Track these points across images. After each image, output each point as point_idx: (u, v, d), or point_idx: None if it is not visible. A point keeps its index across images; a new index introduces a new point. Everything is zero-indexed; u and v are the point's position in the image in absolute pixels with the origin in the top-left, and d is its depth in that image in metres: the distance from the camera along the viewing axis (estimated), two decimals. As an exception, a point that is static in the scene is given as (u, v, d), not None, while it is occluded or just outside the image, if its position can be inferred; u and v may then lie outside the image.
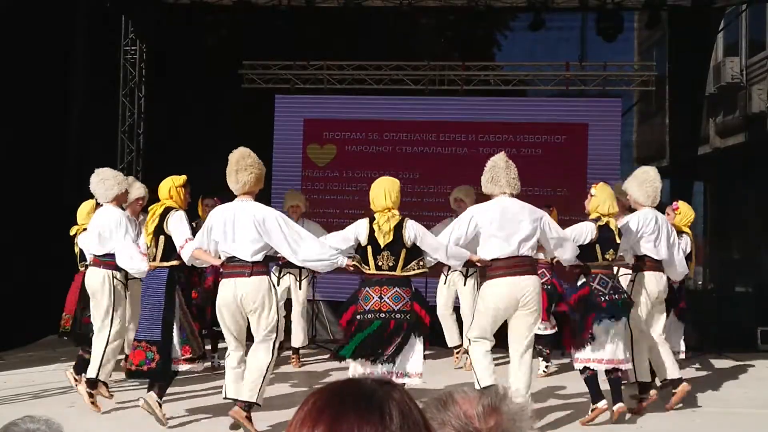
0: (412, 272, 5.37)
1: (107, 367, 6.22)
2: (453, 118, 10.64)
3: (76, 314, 6.78)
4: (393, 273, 5.32)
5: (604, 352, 5.74)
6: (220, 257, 5.57)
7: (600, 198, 5.93)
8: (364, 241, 5.38)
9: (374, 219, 5.40)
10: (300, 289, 8.21)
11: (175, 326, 5.68)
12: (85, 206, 6.98)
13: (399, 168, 10.48)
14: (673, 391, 6.17)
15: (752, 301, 10.14)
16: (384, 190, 5.43)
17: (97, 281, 6.35)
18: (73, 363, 6.77)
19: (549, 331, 7.28)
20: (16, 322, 8.60)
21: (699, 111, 11.48)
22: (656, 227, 6.17)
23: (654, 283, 6.20)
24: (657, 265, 6.23)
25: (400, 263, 5.32)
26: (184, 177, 5.97)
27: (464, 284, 8.03)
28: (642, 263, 6.22)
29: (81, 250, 6.87)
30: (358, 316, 5.34)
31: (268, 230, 5.38)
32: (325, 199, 10.29)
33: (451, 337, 8.23)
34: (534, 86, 11.21)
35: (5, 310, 8.28)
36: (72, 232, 7.04)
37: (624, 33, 10.40)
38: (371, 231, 5.35)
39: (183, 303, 5.77)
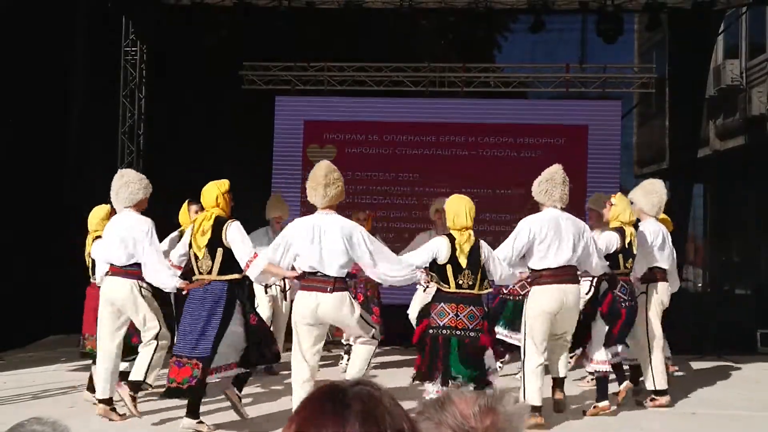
0: (484, 291, 5.53)
1: (155, 372, 5.84)
2: (453, 119, 10.64)
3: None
4: (471, 291, 5.43)
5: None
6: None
7: (620, 207, 6.21)
8: (444, 260, 5.42)
9: (454, 238, 5.46)
10: (285, 300, 7.98)
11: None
12: (99, 211, 6.51)
13: (399, 170, 10.51)
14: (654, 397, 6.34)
15: (752, 303, 10.14)
16: (465, 209, 5.51)
17: (122, 293, 5.83)
18: (75, 367, 6.76)
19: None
20: (16, 322, 8.60)
21: (699, 113, 11.48)
22: (663, 238, 6.41)
23: (665, 292, 6.45)
24: (665, 275, 6.48)
25: (478, 282, 5.44)
26: (227, 181, 5.68)
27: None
28: (654, 274, 6.42)
29: (94, 261, 6.32)
30: (431, 331, 5.41)
31: (354, 244, 5.33)
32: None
33: None
34: (534, 88, 11.22)
35: (5, 310, 8.28)
36: (86, 242, 6.50)
37: (624, 35, 10.40)
38: (452, 250, 5.42)
39: (247, 317, 5.56)
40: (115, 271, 5.85)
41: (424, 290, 8.01)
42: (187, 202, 6.70)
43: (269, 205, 7.90)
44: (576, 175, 10.12)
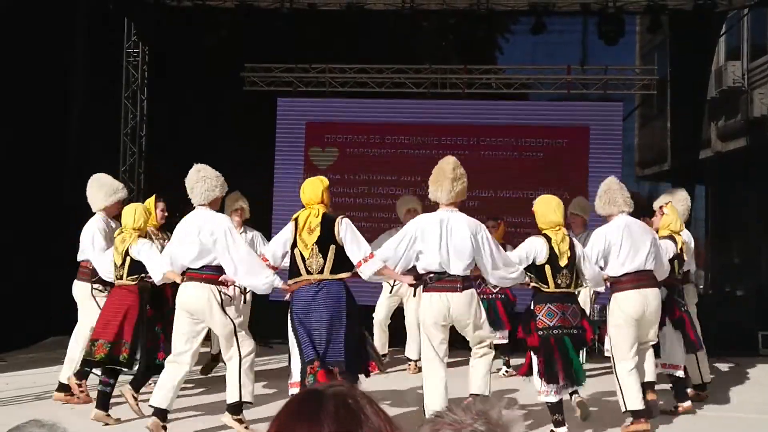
0: (578, 289, 5.60)
1: (249, 387, 5.47)
2: (454, 121, 10.65)
3: (137, 340, 5.83)
4: (569, 290, 5.45)
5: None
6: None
7: (672, 216, 6.37)
8: (542, 260, 5.39)
9: (549, 238, 5.42)
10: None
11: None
12: (143, 207, 6.13)
13: (400, 171, 10.51)
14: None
15: (753, 304, 10.14)
16: (556, 206, 5.51)
17: (201, 300, 5.39)
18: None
19: (504, 340, 7.62)
20: (17, 322, 8.61)
21: (700, 115, 11.49)
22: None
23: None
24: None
25: (574, 281, 5.46)
26: (325, 178, 5.52)
27: (414, 295, 7.69)
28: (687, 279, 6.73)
29: (131, 262, 5.88)
30: (540, 332, 5.34)
31: (479, 243, 5.25)
32: (327, 202, 10.29)
33: (414, 349, 7.79)
34: (535, 90, 11.23)
35: (5, 311, 8.29)
36: (121, 242, 5.94)
37: (625, 36, 10.42)
38: (551, 250, 5.38)
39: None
40: (190, 275, 5.44)
41: (390, 292, 7.99)
42: (154, 197, 6.48)
43: (228, 200, 7.36)
44: (577, 177, 10.17)
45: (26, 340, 9.04)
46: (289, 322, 5.23)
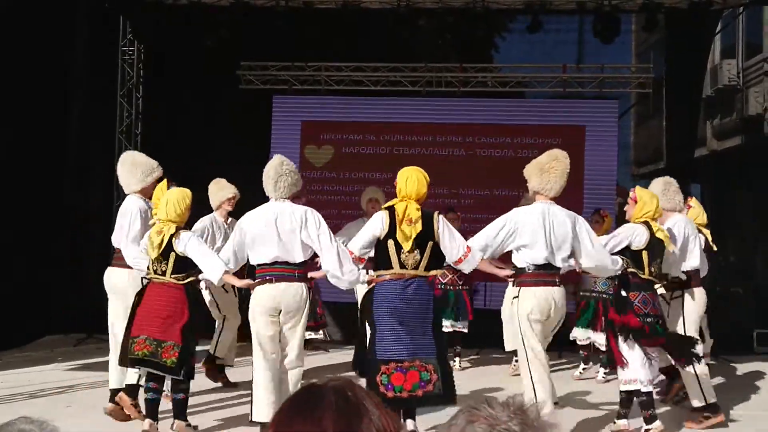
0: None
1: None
2: (450, 120, 10.66)
3: (188, 345, 5.29)
4: (656, 280, 5.42)
5: None
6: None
7: (698, 209, 6.42)
8: (641, 245, 5.33)
9: (651, 226, 5.36)
10: None
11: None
12: (180, 192, 5.42)
13: (396, 170, 10.44)
14: None
15: (748, 302, 10.17)
16: (651, 197, 5.49)
17: (297, 297, 5.18)
18: (72, 367, 6.71)
19: (465, 330, 7.93)
20: (16, 322, 8.61)
21: (696, 113, 11.55)
22: None
23: None
24: None
25: (660, 273, 5.47)
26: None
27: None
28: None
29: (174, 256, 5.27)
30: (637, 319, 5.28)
31: (578, 233, 5.13)
32: (323, 200, 10.28)
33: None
34: (531, 88, 11.24)
35: (5, 310, 8.30)
36: (163, 233, 5.26)
37: (621, 35, 10.41)
38: (652, 235, 5.33)
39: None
40: (287, 271, 5.15)
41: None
42: (165, 180, 5.84)
43: (217, 188, 7.10)
44: (573, 176, 10.10)
45: (26, 339, 9.03)
46: (365, 313, 5.06)
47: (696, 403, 5.71)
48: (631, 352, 5.23)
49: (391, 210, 5.03)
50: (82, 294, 9.49)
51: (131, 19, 10.10)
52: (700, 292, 5.93)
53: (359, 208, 8.12)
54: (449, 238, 4.99)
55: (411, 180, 5.07)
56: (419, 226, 4.92)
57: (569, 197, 10.07)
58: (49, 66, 9.10)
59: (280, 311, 5.18)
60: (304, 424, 1.16)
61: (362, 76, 10.77)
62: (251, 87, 10.80)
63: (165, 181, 5.85)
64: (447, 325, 7.50)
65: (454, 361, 7.81)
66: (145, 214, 5.72)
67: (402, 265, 4.93)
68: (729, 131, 12.26)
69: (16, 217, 8.55)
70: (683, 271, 5.84)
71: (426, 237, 4.94)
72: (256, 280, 5.22)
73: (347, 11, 10.04)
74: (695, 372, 5.63)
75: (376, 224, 5.04)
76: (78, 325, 9.27)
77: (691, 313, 5.85)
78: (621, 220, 7.57)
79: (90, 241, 9.85)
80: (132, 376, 5.61)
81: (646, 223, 5.40)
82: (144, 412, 5.35)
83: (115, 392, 5.75)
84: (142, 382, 5.45)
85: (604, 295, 7.26)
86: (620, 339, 5.26)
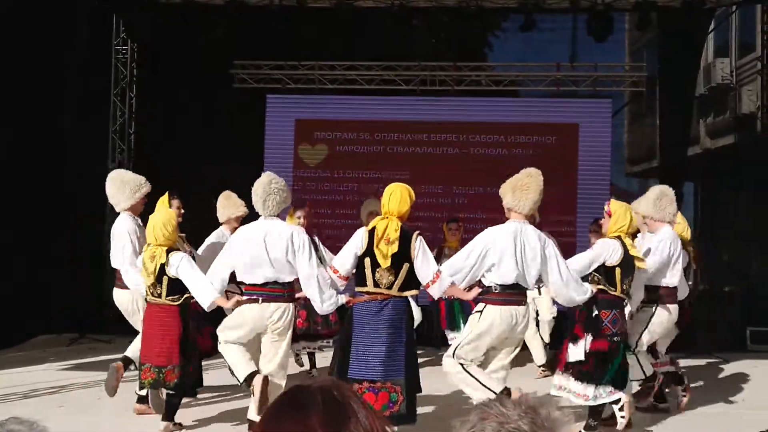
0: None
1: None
2: (444, 118, 10.70)
3: (187, 359, 5.45)
4: (625, 297, 5.42)
5: None
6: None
7: (683, 225, 6.36)
8: (615, 262, 5.32)
9: (624, 242, 5.35)
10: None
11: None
12: (166, 216, 5.48)
13: (390, 168, 10.54)
14: None
15: (741, 301, 10.22)
16: (625, 211, 5.45)
17: (284, 318, 5.21)
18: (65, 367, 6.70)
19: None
20: (16, 322, 8.62)
21: (689, 112, 11.61)
22: None
23: None
24: None
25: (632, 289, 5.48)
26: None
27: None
28: None
29: (170, 280, 5.33)
30: (607, 339, 5.30)
31: (547, 259, 5.09)
32: (317, 199, 10.31)
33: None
34: (525, 87, 11.31)
35: (5, 310, 8.29)
36: (156, 257, 5.36)
37: (614, 34, 10.51)
38: (626, 252, 5.32)
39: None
40: (276, 291, 5.20)
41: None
42: (167, 194, 6.07)
43: (227, 203, 6.92)
44: (567, 174, 10.24)
45: (25, 339, 9.03)
46: (341, 330, 5.09)
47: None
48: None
49: (372, 229, 5.05)
50: (76, 294, 9.51)
51: (125, 18, 10.14)
52: (674, 309, 5.87)
53: (353, 207, 8.13)
54: (422, 261, 4.98)
55: (394, 197, 5.07)
56: (395, 247, 4.94)
57: (563, 195, 10.16)
58: (44, 65, 9.13)
59: (265, 328, 5.24)
60: (292, 425, 1.17)
61: (356, 74, 10.82)
62: (245, 86, 10.84)
63: (166, 195, 6.04)
64: (452, 336, 7.37)
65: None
66: (135, 234, 5.89)
67: (376, 284, 4.96)
68: (722, 130, 12.31)
69: (16, 217, 8.56)
70: (660, 286, 5.82)
71: (402, 258, 4.95)
72: (244, 298, 5.25)
73: (341, 10, 10.07)
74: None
75: (356, 243, 5.07)
76: (71, 325, 9.28)
77: (657, 327, 5.83)
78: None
79: (86, 241, 9.87)
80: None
81: (619, 238, 5.38)
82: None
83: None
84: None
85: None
86: (573, 348, 5.32)
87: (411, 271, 4.98)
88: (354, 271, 5.09)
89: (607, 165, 10.42)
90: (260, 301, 5.17)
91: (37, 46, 8.81)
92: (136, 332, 6.57)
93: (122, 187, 6.04)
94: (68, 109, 9.85)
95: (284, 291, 5.21)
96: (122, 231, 5.90)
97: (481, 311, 5.13)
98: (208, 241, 6.54)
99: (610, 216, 5.48)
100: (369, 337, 4.94)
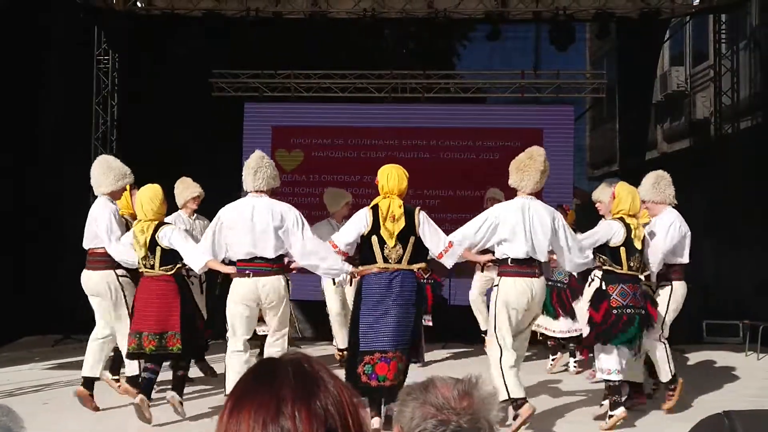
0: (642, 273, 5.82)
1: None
2: (415, 124, 10.96)
3: (190, 324, 5.62)
4: (638, 273, 5.69)
5: None
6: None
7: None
8: (618, 242, 5.60)
9: (627, 223, 5.62)
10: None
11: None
12: (154, 190, 5.69)
13: (363, 173, 10.77)
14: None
15: (697, 297, 10.54)
16: (627, 194, 5.72)
17: (276, 289, 5.35)
18: (50, 366, 6.76)
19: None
20: (2, 323, 8.72)
21: (647, 117, 11.87)
22: None
23: None
24: None
25: (641, 265, 5.73)
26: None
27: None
28: None
29: (163, 250, 5.54)
30: (615, 311, 5.51)
31: (557, 229, 5.35)
32: (293, 203, 10.44)
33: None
34: (491, 94, 11.51)
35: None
36: (146, 230, 5.57)
37: (576, 43, 10.76)
38: (628, 233, 5.60)
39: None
40: (264, 266, 5.32)
41: (334, 283, 7.49)
42: (129, 187, 6.22)
43: (182, 187, 7.26)
44: (532, 176, 10.55)
45: (11, 340, 9.11)
46: (351, 305, 5.23)
47: (663, 378, 6.09)
48: (604, 345, 5.56)
49: (375, 208, 5.21)
50: (61, 295, 9.61)
51: (105, 29, 10.24)
52: (682, 286, 6.32)
53: (326, 210, 8.35)
54: (430, 234, 5.17)
55: (392, 177, 5.27)
56: (402, 222, 5.11)
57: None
58: (25, 75, 9.22)
59: (259, 303, 5.39)
60: (265, 395, 1.15)
61: (330, 83, 10.98)
62: (223, 94, 10.96)
63: (128, 188, 6.19)
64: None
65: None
66: (116, 214, 6.01)
67: (386, 260, 5.13)
68: (678, 134, 12.53)
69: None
70: (669, 264, 6.20)
71: (408, 232, 5.13)
72: (237, 272, 5.43)
73: (315, 21, 10.27)
74: (666, 353, 6.04)
75: (360, 221, 5.23)
76: (56, 326, 9.35)
77: (672, 303, 6.24)
78: (578, 220, 7.96)
79: (69, 243, 9.97)
80: (133, 368, 5.87)
81: (622, 219, 5.68)
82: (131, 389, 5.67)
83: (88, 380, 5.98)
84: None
85: (559, 284, 7.54)
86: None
87: (417, 244, 5.17)
88: (359, 249, 5.28)
89: (569, 168, 10.63)
90: (250, 275, 5.29)
91: (18, 58, 8.92)
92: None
93: (108, 172, 6.11)
94: (50, 115, 9.94)
95: (272, 266, 5.30)
96: (105, 211, 5.95)
97: (497, 284, 5.35)
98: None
99: (614, 198, 5.81)
100: (379, 309, 5.07)
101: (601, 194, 6.75)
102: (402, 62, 11.45)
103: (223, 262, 5.59)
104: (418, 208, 5.29)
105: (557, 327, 7.54)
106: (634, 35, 10.95)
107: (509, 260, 5.27)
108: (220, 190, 8.61)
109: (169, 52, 10.43)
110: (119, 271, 5.95)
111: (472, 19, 10.70)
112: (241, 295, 5.35)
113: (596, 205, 6.88)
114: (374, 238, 5.16)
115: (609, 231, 5.67)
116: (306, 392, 1.15)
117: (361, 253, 5.30)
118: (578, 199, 10.62)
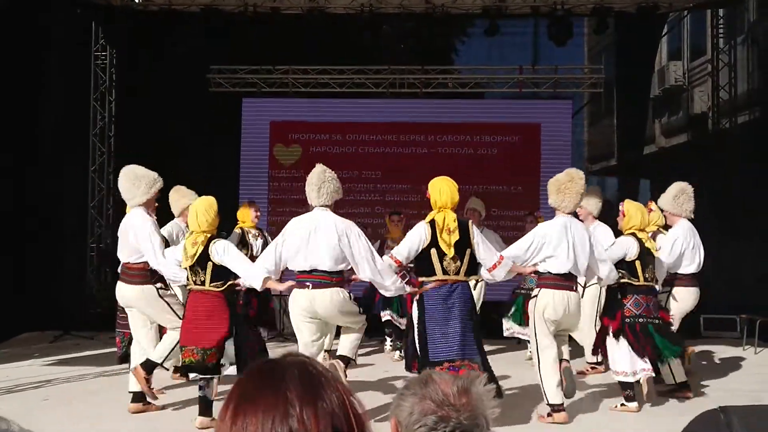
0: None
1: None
2: (413, 119, 10.98)
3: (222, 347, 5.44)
4: (653, 283, 6.04)
5: None
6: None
7: (657, 213, 6.73)
8: (634, 257, 5.92)
9: (640, 238, 5.95)
10: None
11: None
12: (208, 202, 5.56)
13: (361, 167, 10.86)
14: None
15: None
16: (636, 210, 6.03)
17: (335, 301, 5.32)
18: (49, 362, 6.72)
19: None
20: (1, 320, 8.71)
21: (645, 112, 11.90)
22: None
23: None
24: None
25: (656, 276, 6.10)
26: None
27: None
28: None
29: (215, 266, 5.37)
30: (628, 320, 5.87)
31: (593, 246, 5.71)
32: (291, 198, 10.52)
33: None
34: (489, 89, 11.55)
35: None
36: (198, 243, 5.41)
37: (574, 38, 10.77)
38: (642, 246, 5.93)
39: None
40: (322, 278, 5.29)
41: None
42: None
43: (178, 196, 7.04)
44: (530, 171, 10.57)
45: (10, 336, 9.10)
46: (414, 318, 5.32)
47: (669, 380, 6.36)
48: (617, 349, 5.88)
49: (432, 222, 5.31)
50: (59, 292, 9.62)
51: (103, 25, 10.25)
52: (687, 292, 6.68)
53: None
54: (483, 248, 5.36)
55: (444, 191, 5.36)
56: (457, 235, 5.25)
57: (526, 191, 10.49)
58: (24, 72, 9.21)
59: (316, 314, 5.39)
60: (271, 396, 1.15)
61: (328, 78, 11.01)
62: (222, 90, 10.98)
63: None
64: (386, 314, 7.95)
65: (384, 344, 8.52)
66: (156, 228, 5.83)
67: (444, 272, 5.25)
68: (676, 129, 12.54)
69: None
70: (677, 273, 6.62)
71: (464, 245, 5.27)
72: (296, 283, 5.40)
73: (313, 17, 10.27)
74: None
75: (419, 235, 5.31)
76: (55, 323, 9.37)
77: (675, 310, 6.59)
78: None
79: (68, 240, 9.99)
80: (156, 355, 5.73)
81: (634, 234, 6.00)
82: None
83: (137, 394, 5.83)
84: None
85: (531, 292, 7.68)
86: (608, 337, 5.95)
87: (472, 256, 5.33)
88: (416, 262, 5.39)
89: (567, 163, 10.54)
90: (310, 287, 5.30)
91: (18, 58, 8.92)
92: (121, 328, 6.81)
93: (137, 181, 5.86)
94: (49, 112, 9.95)
95: (332, 279, 5.31)
96: (145, 225, 5.72)
97: (536, 295, 5.69)
98: (163, 231, 6.48)
99: (624, 216, 6.12)
100: (443, 320, 5.19)
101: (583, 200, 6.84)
102: (400, 58, 11.49)
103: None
104: (470, 221, 5.51)
105: (521, 331, 7.76)
106: (632, 30, 11.00)
107: (548, 273, 5.61)
108: (218, 185, 8.67)
109: (167, 48, 10.46)
110: (158, 285, 5.84)
111: (470, 14, 10.74)
112: (300, 306, 5.39)
113: (577, 211, 6.91)
114: (433, 251, 5.27)
115: (625, 247, 6.00)
116: (313, 394, 1.16)
117: (420, 266, 5.39)
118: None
